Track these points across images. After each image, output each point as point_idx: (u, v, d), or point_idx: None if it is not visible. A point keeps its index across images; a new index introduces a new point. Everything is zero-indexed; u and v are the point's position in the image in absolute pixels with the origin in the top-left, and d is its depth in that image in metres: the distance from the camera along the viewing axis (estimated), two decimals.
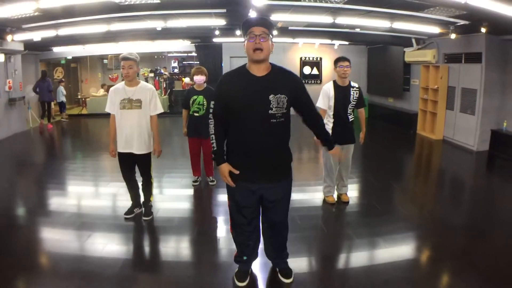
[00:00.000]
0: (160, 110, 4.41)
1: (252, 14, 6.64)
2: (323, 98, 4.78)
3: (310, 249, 3.92)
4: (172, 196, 5.63)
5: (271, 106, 2.68)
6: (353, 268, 3.61)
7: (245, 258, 3.23)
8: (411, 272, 3.45)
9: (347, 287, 3.26)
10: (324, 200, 5.17)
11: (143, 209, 4.70)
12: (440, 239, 4.12)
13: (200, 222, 4.71)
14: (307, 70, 14.15)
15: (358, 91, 4.82)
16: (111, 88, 4.39)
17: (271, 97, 2.68)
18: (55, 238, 4.13)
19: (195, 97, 5.46)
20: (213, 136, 2.88)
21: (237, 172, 2.81)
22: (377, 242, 4.03)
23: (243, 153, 2.81)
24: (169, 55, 18.66)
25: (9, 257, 3.68)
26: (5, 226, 4.45)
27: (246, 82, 2.72)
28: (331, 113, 4.79)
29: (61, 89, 13.33)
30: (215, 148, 2.89)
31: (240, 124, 2.76)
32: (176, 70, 19.38)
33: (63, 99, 13.41)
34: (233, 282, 3.24)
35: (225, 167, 2.84)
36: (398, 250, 3.90)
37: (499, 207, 5.28)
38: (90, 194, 5.78)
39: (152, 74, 17.16)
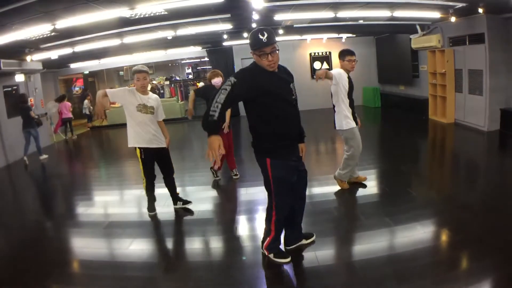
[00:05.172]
0: (163, 116, 4.98)
1: (256, 16, 6.94)
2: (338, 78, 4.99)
3: (323, 229, 4.14)
4: (193, 193, 5.89)
5: (293, 93, 3.23)
6: (360, 245, 3.87)
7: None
8: (416, 248, 3.64)
9: (355, 264, 3.53)
10: (337, 187, 5.41)
11: (181, 200, 5.19)
12: (450, 217, 4.28)
13: (220, 213, 5.09)
14: (317, 65, 14.33)
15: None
16: (128, 87, 4.78)
17: (291, 85, 3.24)
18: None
19: None
20: (219, 105, 2.84)
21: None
22: (385, 221, 4.27)
23: (285, 137, 3.22)
24: (182, 62, 19.10)
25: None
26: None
27: (270, 77, 3.09)
28: (347, 102, 5.09)
29: (86, 102, 14.96)
30: (215, 118, 2.83)
31: (278, 112, 3.13)
32: (190, 76, 19.82)
33: (87, 111, 15.03)
34: (269, 264, 3.55)
35: (217, 140, 2.81)
36: (405, 228, 4.13)
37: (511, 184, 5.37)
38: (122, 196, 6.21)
39: (167, 82, 17.65)
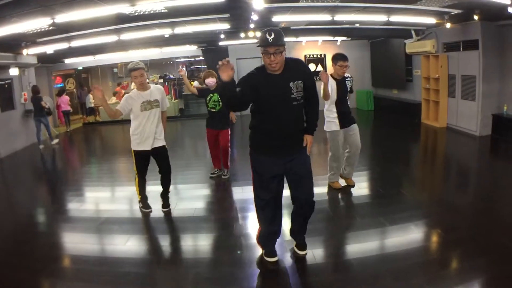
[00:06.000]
0: (168, 105, 5.03)
1: (254, 17, 6.98)
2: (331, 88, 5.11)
3: (318, 228, 4.22)
4: (188, 191, 5.98)
5: (292, 91, 3.18)
6: (356, 244, 3.93)
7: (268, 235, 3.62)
8: (410, 247, 3.74)
9: (351, 262, 3.60)
10: (330, 187, 5.49)
11: (162, 201, 5.09)
12: (442, 218, 4.36)
13: (216, 211, 5.11)
14: (312, 67, 14.37)
15: (351, 80, 5.28)
16: (127, 95, 4.73)
17: (291, 84, 3.17)
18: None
19: (211, 95, 5.98)
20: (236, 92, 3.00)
21: None
22: (379, 221, 4.34)
23: (270, 133, 3.27)
24: (177, 60, 19.05)
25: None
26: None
27: (269, 80, 3.15)
28: (334, 107, 5.19)
29: (89, 97, 15.49)
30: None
31: (268, 111, 3.21)
32: None
33: (91, 105, 15.69)
34: (261, 262, 3.59)
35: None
36: (399, 227, 4.20)
37: (502, 187, 5.47)
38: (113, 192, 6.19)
39: (161, 80, 17.60)
